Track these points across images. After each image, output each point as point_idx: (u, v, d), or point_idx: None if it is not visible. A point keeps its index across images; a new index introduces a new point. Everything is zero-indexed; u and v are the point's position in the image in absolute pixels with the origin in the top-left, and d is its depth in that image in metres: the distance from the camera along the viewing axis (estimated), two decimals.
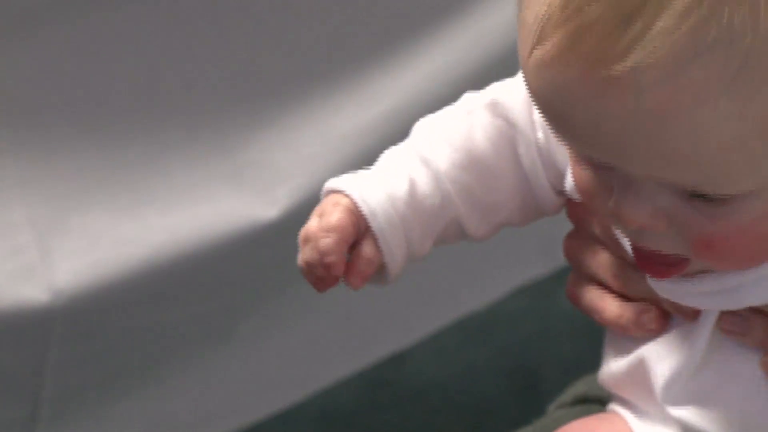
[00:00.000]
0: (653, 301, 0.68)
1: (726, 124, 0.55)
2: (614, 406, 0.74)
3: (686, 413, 0.68)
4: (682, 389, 0.68)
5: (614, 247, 0.69)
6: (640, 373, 0.70)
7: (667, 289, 0.66)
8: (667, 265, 0.63)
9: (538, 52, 0.56)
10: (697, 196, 0.58)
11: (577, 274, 0.73)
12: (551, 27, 0.55)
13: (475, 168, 0.71)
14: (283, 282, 1.42)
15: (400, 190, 0.69)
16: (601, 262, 0.71)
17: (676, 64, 0.53)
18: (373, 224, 0.68)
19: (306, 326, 1.51)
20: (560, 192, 0.72)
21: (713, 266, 0.63)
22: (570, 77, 0.55)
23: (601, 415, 0.76)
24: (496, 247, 1.09)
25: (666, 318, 0.68)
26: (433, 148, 0.71)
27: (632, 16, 0.53)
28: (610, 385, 0.74)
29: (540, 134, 0.68)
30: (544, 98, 0.59)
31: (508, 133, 0.71)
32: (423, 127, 0.73)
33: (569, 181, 0.69)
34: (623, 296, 0.70)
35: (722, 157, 0.56)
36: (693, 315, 0.67)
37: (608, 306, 0.71)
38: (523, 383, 1.46)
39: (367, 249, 0.68)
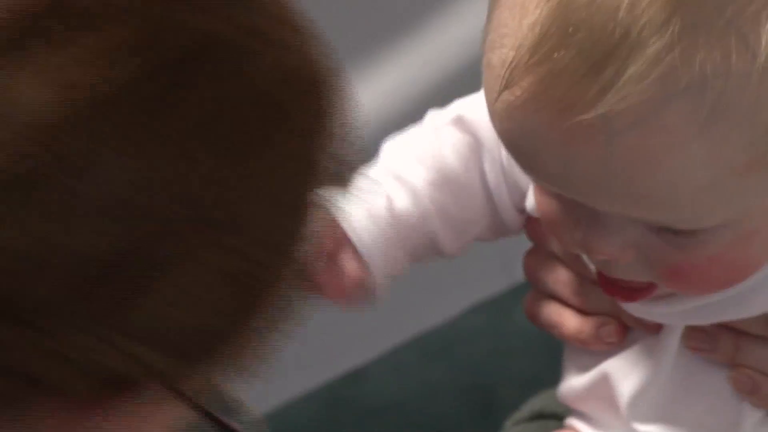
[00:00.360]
0: (613, 315, 0.68)
1: (698, 168, 0.55)
2: (572, 421, 0.74)
3: (653, 429, 0.68)
4: (649, 405, 0.68)
5: (573, 264, 0.69)
6: (603, 389, 0.70)
7: (633, 307, 0.66)
8: (634, 290, 0.63)
9: (507, 96, 0.55)
10: (666, 229, 0.58)
11: (535, 290, 0.73)
12: (520, 72, 0.54)
13: (448, 185, 0.71)
14: None
15: (380, 207, 0.69)
16: (560, 278, 0.71)
17: (647, 110, 0.53)
18: (357, 242, 0.68)
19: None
20: (521, 210, 0.71)
21: (681, 292, 0.63)
22: (539, 122, 0.55)
23: (558, 431, 0.76)
24: (454, 263, 1.09)
25: (625, 331, 0.69)
26: (406, 166, 0.70)
27: (603, 63, 0.53)
28: (571, 400, 0.73)
29: (504, 152, 0.68)
30: (512, 140, 0.58)
31: (476, 148, 0.71)
32: (392, 147, 0.72)
33: (530, 201, 0.68)
34: (582, 311, 0.70)
35: (694, 198, 0.56)
36: (655, 329, 0.67)
37: (567, 321, 0.70)
38: (480, 400, 1.45)
39: (349, 266, 0.68)
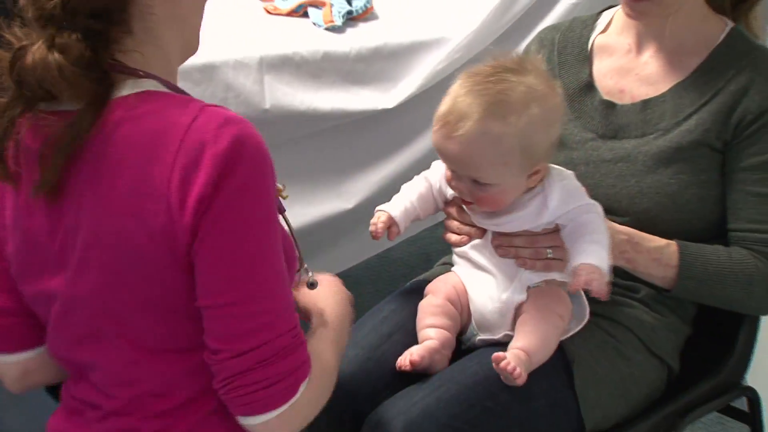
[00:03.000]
0: (471, 224, 1.71)
1: (489, 162, 1.62)
2: (455, 268, 1.81)
3: (478, 273, 1.76)
4: (474, 264, 1.77)
5: (458, 201, 1.66)
6: (467, 255, 1.76)
7: (476, 219, 1.57)
8: (468, 203, 1.69)
9: (435, 128, 1.64)
10: (476, 182, 1.58)
11: (446, 220, 1.79)
12: (438, 120, 1.64)
13: (421, 198, 1.80)
14: None
15: (402, 206, 1.79)
16: (451, 210, 1.62)
17: (471, 139, 1.61)
18: (394, 215, 1.78)
19: None
20: (444, 199, 1.80)
21: (485, 209, 1.62)
22: (440, 140, 1.63)
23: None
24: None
25: (473, 236, 1.74)
26: (409, 191, 1.81)
27: (456, 123, 1.60)
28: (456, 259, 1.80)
29: (438, 184, 1.78)
30: (437, 147, 1.66)
31: (430, 186, 1.80)
32: (406, 185, 1.82)
33: (449, 192, 1.75)
34: (461, 224, 1.76)
35: (489, 172, 1.63)
36: (482, 233, 1.59)
37: (450, 238, 1.79)
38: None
39: (394, 229, 1.78)
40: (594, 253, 1.63)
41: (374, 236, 1.75)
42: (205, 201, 1.23)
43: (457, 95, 1.60)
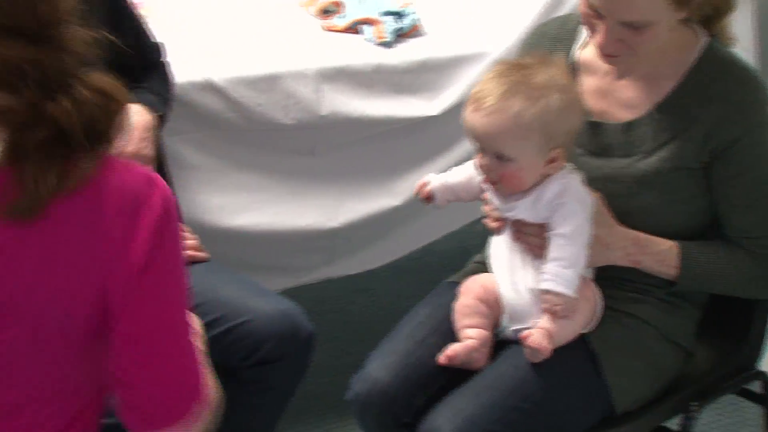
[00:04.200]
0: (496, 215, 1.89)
1: (510, 137, 1.76)
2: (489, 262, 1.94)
3: (503, 263, 1.90)
4: (500, 256, 1.90)
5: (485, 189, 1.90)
6: (497, 249, 1.91)
7: (495, 204, 1.84)
8: (493, 182, 1.82)
9: (465, 109, 1.80)
10: (499, 159, 1.78)
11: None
12: (468, 101, 1.79)
13: (466, 181, 1.94)
14: None
15: (443, 179, 1.96)
16: (487, 196, 1.90)
17: (495, 112, 1.76)
18: (433, 186, 1.95)
19: None
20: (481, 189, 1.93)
21: (508, 188, 1.82)
22: (468, 116, 1.78)
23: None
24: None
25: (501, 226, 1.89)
26: (456, 171, 1.97)
27: (483, 99, 1.76)
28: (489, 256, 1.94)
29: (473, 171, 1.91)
30: (465, 124, 1.80)
31: (472, 174, 1.92)
32: (454, 170, 1.97)
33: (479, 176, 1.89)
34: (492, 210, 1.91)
35: (511, 142, 1.77)
36: (503, 225, 1.87)
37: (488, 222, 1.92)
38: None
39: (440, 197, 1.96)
40: (552, 278, 1.74)
41: (415, 192, 1.96)
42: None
43: (485, 80, 1.76)
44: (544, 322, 1.78)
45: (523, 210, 1.81)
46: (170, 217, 1.28)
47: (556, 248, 1.76)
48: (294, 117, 2.53)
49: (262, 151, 2.56)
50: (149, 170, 1.31)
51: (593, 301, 1.83)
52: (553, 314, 1.75)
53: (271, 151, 2.57)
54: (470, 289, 1.88)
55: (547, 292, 1.75)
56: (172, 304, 1.32)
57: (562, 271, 1.75)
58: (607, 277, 1.86)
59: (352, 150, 2.65)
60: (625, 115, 1.86)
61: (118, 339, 1.30)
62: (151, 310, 1.29)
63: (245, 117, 2.50)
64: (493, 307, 1.86)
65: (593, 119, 1.87)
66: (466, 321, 1.85)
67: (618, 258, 1.83)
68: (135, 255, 1.25)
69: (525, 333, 1.76)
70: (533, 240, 1.81)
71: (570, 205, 1.77)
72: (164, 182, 1.29)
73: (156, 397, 1.33)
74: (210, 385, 1.39)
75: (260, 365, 1.99)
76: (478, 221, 1.98)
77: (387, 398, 1.84)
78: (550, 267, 1.75)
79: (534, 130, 1.72)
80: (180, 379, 1.34)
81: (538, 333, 1.76)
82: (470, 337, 1.84)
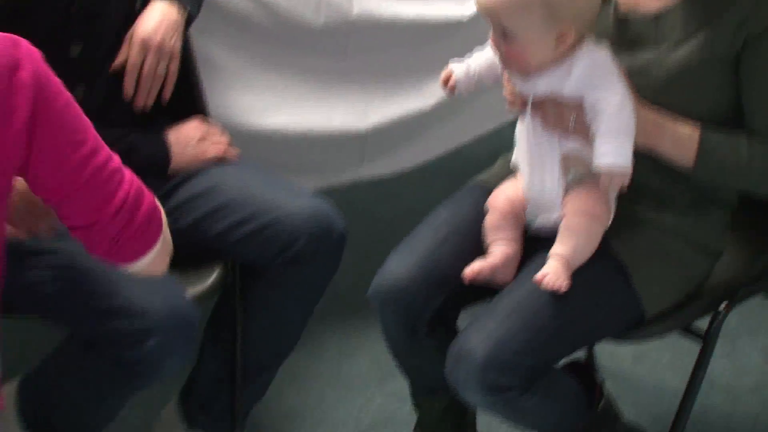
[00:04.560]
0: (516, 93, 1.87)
1: (522, 17, 1.73)
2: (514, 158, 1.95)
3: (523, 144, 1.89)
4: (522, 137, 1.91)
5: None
6: (521, 143, 1.91)
7: (515, 83, 1.84)
8: (507, 62, 1.81)
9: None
10: (505, 36, 1.77)
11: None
12: None
13: (488, 66, 1.92)
14: None
15: (465, 66, 1.93)
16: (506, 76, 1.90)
17: None
18: (456, 73, 1.93)
19: None
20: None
21: (513, 68, 1.82)
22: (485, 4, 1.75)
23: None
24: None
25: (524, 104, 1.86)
26: (478, 57, 1.93)
27: None
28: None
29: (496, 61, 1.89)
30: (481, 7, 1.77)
31: (493, 59, 1.90)
32: (476, 54, 1.93)
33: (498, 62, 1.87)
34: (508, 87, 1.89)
35: (513, 15, 1.74)
36: (524, 104, 1.85)
37: (505, 94, 1.90)
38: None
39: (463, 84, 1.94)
40: (611, 152, 1.70)
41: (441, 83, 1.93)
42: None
43: None
44: (559, 248, 1.79)
45: (548, 85, 1.78)
46: (41, 70, 1.37)
47: (606, 120, 1.72)
48: (325, 18, 2.51)
49: (292, 52, 2.55)
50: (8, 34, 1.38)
51: (607, 206, 1.83)
52: (617, 189, 1.74)
53: (301, 53, 2.56)
54: (495, 206, 1.90)
55: (607, 166, 1.71)
56: (70, 144, 1.42)
57: (617, 142, 1.71)
58: (628, 187, 1.83)
59: (383, 53, 2.64)
60: (655, 4, 1.83)
61: (38, 193, 1.43)
62: (53, 157, 1.40)
63: (275, 17, 2.48)
64: (519, 217, 1.89)
65: (622, 13, 1.85)
66: (492, 236, 1.88)
67: (636, 136, 1.76)
68: (20, 114, 1.35)
69: (537, 278, 1.77)
70: (551, 115, 1.79)
71: (608, 77, 1.75)
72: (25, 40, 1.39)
73: (102, 231, 1.46)
74: (151, 199, 1.50)
75: (292, 263, 1.99)
76: (508, 126, 1.96)
77: (406, 295, 1.86)
78: (603, 141, 1.72)
79: (535, 4, 1.70)
80: (114, 209, 1.45)
81: (553, 270, 1.77)
82: (493, 253, 1.86)
